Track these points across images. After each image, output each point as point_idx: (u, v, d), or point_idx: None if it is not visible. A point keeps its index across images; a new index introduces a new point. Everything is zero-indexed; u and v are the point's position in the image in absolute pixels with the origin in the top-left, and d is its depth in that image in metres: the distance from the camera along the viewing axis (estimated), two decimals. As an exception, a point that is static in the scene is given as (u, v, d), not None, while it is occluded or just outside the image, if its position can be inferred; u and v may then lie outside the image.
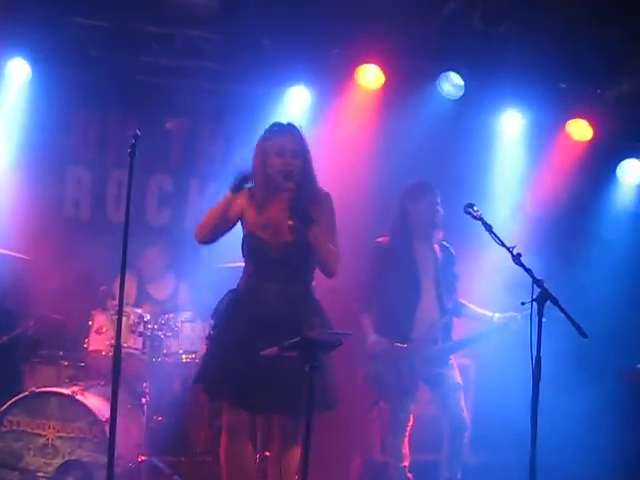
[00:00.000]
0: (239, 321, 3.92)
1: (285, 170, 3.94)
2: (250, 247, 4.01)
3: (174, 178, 6.97)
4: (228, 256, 5.79)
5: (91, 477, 4.81)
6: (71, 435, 4.89)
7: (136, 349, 5.33)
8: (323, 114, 6.59)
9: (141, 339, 5.36)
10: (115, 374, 3.60)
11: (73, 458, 4.87)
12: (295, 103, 6.68)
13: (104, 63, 6.55)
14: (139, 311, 5.43)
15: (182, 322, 5.53)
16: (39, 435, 4.90)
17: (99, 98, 6.77)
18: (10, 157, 6.46)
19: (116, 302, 5.43)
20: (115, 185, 6.87)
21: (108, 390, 5.12)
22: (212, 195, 6.91)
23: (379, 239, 5.25)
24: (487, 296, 5.67)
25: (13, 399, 4.95)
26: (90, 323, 5.43)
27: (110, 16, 6.33)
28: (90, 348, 5.41)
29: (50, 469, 4.85)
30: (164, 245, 6.26)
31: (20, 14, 6.07)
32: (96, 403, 4.99)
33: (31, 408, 4.92)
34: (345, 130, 6.63)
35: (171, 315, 5.53)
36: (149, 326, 5.37)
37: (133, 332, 5.31)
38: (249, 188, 4.04)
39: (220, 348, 3.93)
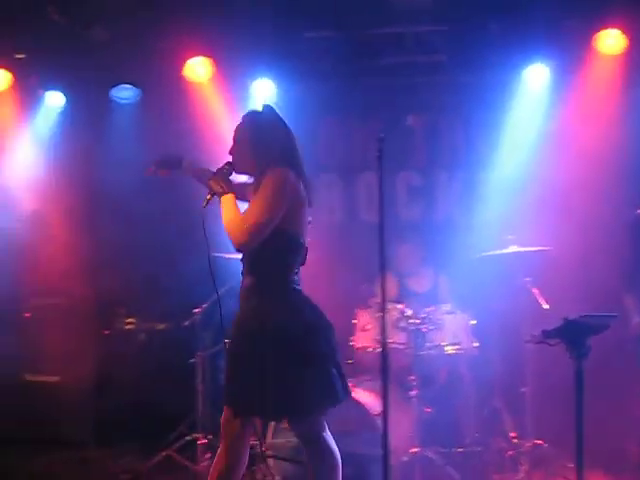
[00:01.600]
0: None
1: None
2: None
3: (421, 173, 7.06)
4: (485, 246, 5.86)
5: (367, 470, 4.98)
6: (345, 429, 5.08)
7: (401, 344, 5.45)
8: (565, 88, 6.39)
9: (404, 334, 5.48)
10: (384, 369, 3.70)
11: (350, 451, 5.06)
12: (534, 82, 6.54)
13: (340, 71, 6.80)
14: (400, 307, 5.54)
15: (443, 314, 5.58)
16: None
17: (340, 105, 7.03)
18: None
19: (378, 300, 5.65)
20: (364, 187, 7.08)
21: (377, 385, 5.35)
22: (460, 185, 6.97)
23: (640, 210, 4.99)
24: None
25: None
26: (355, 321, 5.65)
27: (338, 26, 6.54)
28: (357, 345, 5.63)
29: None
30: (418, 240, 6.34)
31: (257, 38, 6.47)
32: (367, 398, 5.17)
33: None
34: (590, 101, 6.35)
35: (432, 308, 5.59)
36: (411, 321, 5.47)
37: (396, 327, 5.44)
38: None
39: None
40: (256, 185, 3.81)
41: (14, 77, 6.88)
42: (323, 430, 3.91)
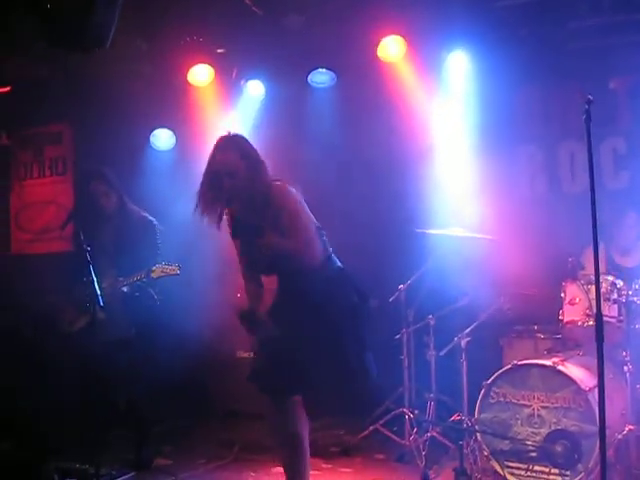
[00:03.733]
0: None
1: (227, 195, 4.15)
2: None
3: (627, 139, 6.72)
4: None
5: (579, 446, 4.85)
6: (555, 405, 4.96)
7: (612, 317, 5.22)
8: None
9: (616, 306, 5.24)
10: (599, 344, 3.58)
11: (560, 427, 4.95)
12: None
13: (535, 37, 6.60)
14: (611, 279, 5.32)
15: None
16: (525, 405, 5.07)
17: (537, 72, 6.82)
18: (467, 141, 6.78)
19: (586, 272, 5.47)
20: (566, 156, 6.84)
21: (587, 360, 5.22)
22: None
23: None
24: None
25: (497, 372, 5.20)
26: (562, 295, 5.49)
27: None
28: (565, 319, 5.46)
29: (538, 438, 4.99)
30: (634, 212, 6.02)
31: (448, 10, 6.40)
32: (577, 373, 5.02)
33: (515, 380, 5.12)
34: None
35: (644, 280, 5.32)
36: (623, 293, 5.24)
37: (607, 300, 5.22)
38: None
39: None
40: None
41: (216, 71, 7.23)
42: None
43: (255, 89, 7.30)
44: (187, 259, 5.72)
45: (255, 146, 7.15)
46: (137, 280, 5.42)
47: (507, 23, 6.60)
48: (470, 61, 6.71)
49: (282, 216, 4.09)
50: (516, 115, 6.95)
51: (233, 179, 4.12)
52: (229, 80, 7.27)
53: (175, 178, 6.93)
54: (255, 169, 4.17)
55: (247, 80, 7.27)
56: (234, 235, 4.33)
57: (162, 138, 7.57)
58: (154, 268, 5.36)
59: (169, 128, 7.54)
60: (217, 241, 6.86)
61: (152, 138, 7.54)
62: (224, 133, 4.33)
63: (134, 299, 5.51)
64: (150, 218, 5.71)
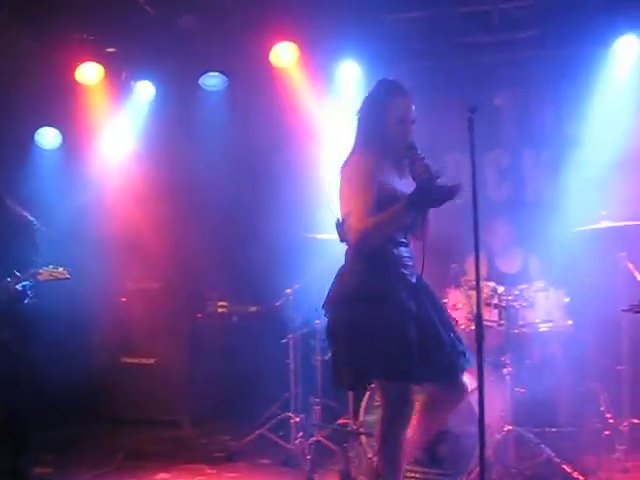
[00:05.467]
0: None
1: (409, 142, 3.89)
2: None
3: (510, 152, 6.98)
4: (578, 223, 5.76)
5: (461, 447, 4.96)
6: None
7: (493, 321, 5.39)
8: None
9: (497, 311, 5.41)
10: (479, 346, 3.68)
11: (442, 429, 5.05)
12: (626, 55, 6.38)
13: (426, 51, 6.77)
14: (491, 284, 5.49)
15: (536, 292, 5.49)
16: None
17: (425, 86, 6.96)
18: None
19: (468, 278, 5.62)
20: (452, 167, 7.02)
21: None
22: (550, 162, 6.86)
23: None
24: None
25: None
26: (445, 300, 5.63)
27: (422, 6, 6.55)
28: (451, 324, 5.59)
29: (422, 439, 5.10)
30: (509, 220, 6.27)
31: (341, 21, 6.50)
32: (459, 376, 5.14)
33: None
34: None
35: (524, 286, 5.50)
36: (504, 298, 5.41)
37: (488, 305, 5.37)
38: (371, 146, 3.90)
39: None
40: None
41: (105, 70, 7.09)
42: None
43: (145, 90, 7.21)
44: (67, 260, 5.56)
45: (143, 147, 7.19)
46: (22, 281, 5.23)
47: (398, 36, 6.75)
48: (361, 71, 6.82)
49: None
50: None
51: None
52: (119, 80, 7.15)
53: (60, 177, 6.76)
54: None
55: (137, 80, 7.17)
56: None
57: (47, 137, 7.33)
58: (41, 271, 5.16)
59: (55, 127, 7.32)
60: (99, 243, 6.86)
61: (37, 136, 7.31)
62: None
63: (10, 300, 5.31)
64: (30, 218, 5.52)
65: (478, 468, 4.74)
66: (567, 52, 6.60)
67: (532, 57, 6.78)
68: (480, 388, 3.76)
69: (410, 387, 3.93)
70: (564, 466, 5.05)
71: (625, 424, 5.36)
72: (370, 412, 5.26)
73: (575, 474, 5.02)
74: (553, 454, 5.12)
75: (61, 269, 5.20)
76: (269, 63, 6.77)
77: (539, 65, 6.78)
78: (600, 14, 6.21)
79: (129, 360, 7.08)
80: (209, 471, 5.70)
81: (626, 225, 5.42)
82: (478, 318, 3.69)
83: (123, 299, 7.26)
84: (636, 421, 5.40)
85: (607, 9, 6.17)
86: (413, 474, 5.01)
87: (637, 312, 3.51)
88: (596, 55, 6.42)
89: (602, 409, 5.64)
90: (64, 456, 5.98)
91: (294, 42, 6.70)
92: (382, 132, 3.91)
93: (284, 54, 6.74)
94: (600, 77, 6.42)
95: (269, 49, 6.72)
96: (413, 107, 4.01)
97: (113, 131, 7.29)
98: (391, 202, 3.77)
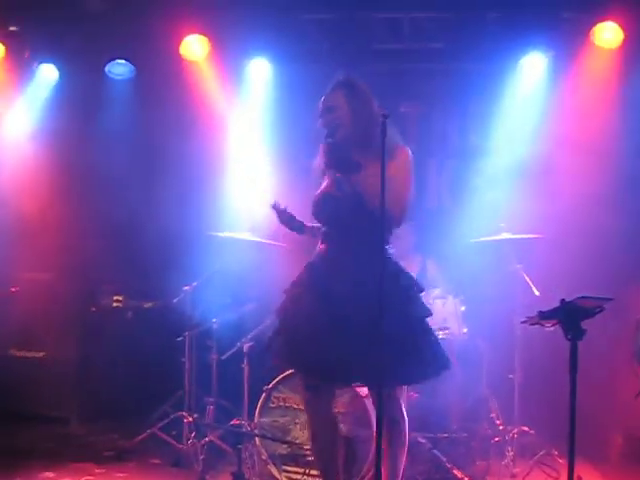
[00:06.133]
0: None
1: (326, 129, 4.00)
2: None
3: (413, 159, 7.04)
4: (473, 231, 5.88)
5: (355, 450, 4.97)
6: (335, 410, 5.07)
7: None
8: (562, 78, 6.43)
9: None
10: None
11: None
12: (530, 72, 6.56)
13: (335, 54, 6.77)
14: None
15: (433, 299, 5.56)
16: (304, 410, 5.14)
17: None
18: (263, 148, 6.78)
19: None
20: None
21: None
22: (451, 173, 6.98)
23: None
24: None
25: (278, 377, 5.22)
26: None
27: (334, 8, 6.56)
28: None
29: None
30: (412, 223, 6.34)
31: (254, 17, 6.44)
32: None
33: (296, 385, 5.13)
34: (586, 92, 6.36)
35: (422, 293, 5.54)
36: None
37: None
38: None
39: None
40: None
41: (7, 49, 6.81)
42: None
43: (48, 72, 6.95)
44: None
45: (42, 131, 6.93)
46: None
47: (311, 36, 6.74)
48: (271, 69, 6.79)
49: (390, 167, 3.66)
50: (313, 128, 7.06)
51: (331, 113, 4.01)
52: (21, 60, 6.87)
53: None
54: (360, 104, 4.03)
55: (40, 62, 6.91)
56: (327, 166, 4.01)
57: (-60, 114, 7.00)
58: None
59: (-50, 104, 7.00)
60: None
61: None
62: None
63: None
64: None
65: (372, 472, 4.83)
66: (473, 66, 6.74)
67: (438, 69, 6.89)
68: (379, 392, 3.76)
69: None
70: (455, 471, 5.14)
71: (515, 431, 5.48)
72: (265, 414, 5.22)
73: (465, 479, 5.11)
74: (445, 459, 5.20)
75: None
76: (179, 55, 6.65)
77: (445, 77, 6.90)
78: (507, 32, 6.37)
79: (17, 353, 6.80)
80: (97, 470, 5.53)
81: (523, 238, 5.57)
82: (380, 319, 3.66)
83: (13, 289, 6.97)
84: (525, 428, 5.53)
85: (513, 27, 6.33)
86: (306, 477, 5.00)
87: (533, 324, 3.56)
88: (502, 71, 6.58)
89: (492, 416, 5.78)
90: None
91: (205, 35, 6.59)
92: None
93: (195, 47, 6.63)
94: (505, 92, 6.58)
95: (180, 41, 6.60)
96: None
97: (11, 112, 7.00)
98: None
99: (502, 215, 5.86)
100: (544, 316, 3.48)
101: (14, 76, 6.91)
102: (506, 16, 6.40)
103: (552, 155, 6.39)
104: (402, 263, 6.18)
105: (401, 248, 6.20)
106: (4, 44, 6.77)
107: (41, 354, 6.79)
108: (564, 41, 6.37)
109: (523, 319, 3.63)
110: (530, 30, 6.32)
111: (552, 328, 3.53)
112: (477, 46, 6.52)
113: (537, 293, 5.46)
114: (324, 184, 4.08)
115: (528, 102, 6.55)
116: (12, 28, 6.75)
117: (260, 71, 6.78)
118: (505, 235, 5.59)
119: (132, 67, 6.83)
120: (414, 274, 6.11)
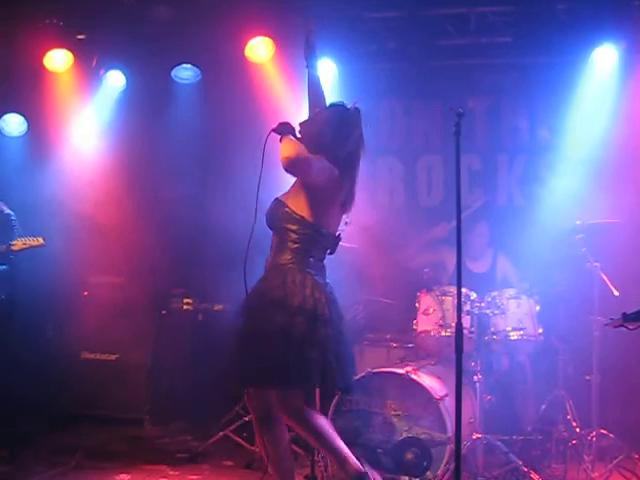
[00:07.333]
0: None
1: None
2: None
3: (482, 156, 6.95)
4: (551, 230, 5.75)
5: (429, 454, 4.92)
6: (407, 413, 5.01)
7: (464, 328, 5.31)
8: (635, 70, 6.26)
9: (469, 317, 5.36)
10: (458, 354, 3.63)
11: (411, 435, 5.00)
12: (601, 65, 6.40)
13: (402, 52, 6.72)
14: (464, 290, 5.43)
15: (507, 299, 5.46)
16: (377, 413, 5.08)
17: (401, 87, 6.95)
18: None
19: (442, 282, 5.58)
20: (424, 170, 7.00)
21: (439, 369, 5.31)
22: (522, 168, 6.86)
23: None
24: None
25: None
26: (417, 305, 5.58)
27: (400, 6, 6.49)
28: (418, 329, 5.54)
29: (389, 445, 5.01)
30: (485, 222, 6.24)
31: (318, 17, 6.38)
32: (429, 382, 5.09)
33: (368, 388, 5.13)
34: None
35: (496, 292, 5.46)
36: (476, 304, 5.37)
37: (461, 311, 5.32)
38: None
39: None
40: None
41: (75, 57, 6.91)
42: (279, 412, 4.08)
43: (115, 79, 7.04)
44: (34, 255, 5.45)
45: (111, 137, 7.02)
46: None
47: (376, 35, 6.70)
48: (336, 69, 6.76)
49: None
50: (379, 127, 7.03)
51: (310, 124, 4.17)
52: (89, 67, 6.97)
53: (26, 165, 6.58)
54: (330, 137, 4.05)
55: (108, 69, 7.00)
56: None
57: (12, 123, 7.14)
58: (14, 242, 5.12)
59: (21, 113, 7.13)
60: (62, 235, 6.67)
61: (1, 123, 7.11)
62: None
63: None
64: (7, 211, 5.47)
65: (447, 475, 4.77)
66: (542, 59, 6.62)
67: (507, 63, 6.79)
68: (458, 396, 3.72)
69: None
70: (531, 474, 5.03)
71: (593, 434, 5.34)
72: (338, 417, 5.18)
73: (543, 484, 5.02)
74: (520, 462, 5.10)
75: (36, 237, 5.19)
76: (244, 57, 6.66)
77: (513, 71, 6.79)
78: (577, 24, 6.22)
79: (90, 356, 6.90)
80: (171, 472, 5.54)
81: (597, 223, 5.42)
82: (459, 326, 3.64)
83: (85, 293, 7.08)
84: (604, 431, 5.38)
85: (583, 18, 6.18)
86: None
87: (617, 326, 3.45)
88: (573, 64, 6.45)
89: (569, 418, 5.64)
90: (21, 454, 5.79)
91: (270, 37, 6.60)
92: None
93: (260, 49, 6.64)
94: (577, 85, 6.43)
95: (245, 43, 6.61)
96: None
97: (81, 120, 7.11)
98: None
99: (577, 212, 5.71)
100: (629, 318, 3.37)
101: (82, 84, 7.01)
102: (575, 7, 6.25)
103: (625, 148, 6.21)
104: (474, 261, 6.19)
105: (477, 246, 6.19)
106: (72, 52, 6.87)
107: (113, 357, 6.87)
108: (637, 31, 6.19)
109: (606, 321, 3.52)
110: (601, 21, 6.15)
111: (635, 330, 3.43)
112: (546, 39, 6.39)
113: (616, 293, 5.30)
114: None
115: (600, 95, 6.38)
116: (79, 36, 6.86)
117: (325, 71, 6.73)
118: (581, 236, 5.43)
119: (198, 71, 6.88)
120: (485, 270, 6.14)
